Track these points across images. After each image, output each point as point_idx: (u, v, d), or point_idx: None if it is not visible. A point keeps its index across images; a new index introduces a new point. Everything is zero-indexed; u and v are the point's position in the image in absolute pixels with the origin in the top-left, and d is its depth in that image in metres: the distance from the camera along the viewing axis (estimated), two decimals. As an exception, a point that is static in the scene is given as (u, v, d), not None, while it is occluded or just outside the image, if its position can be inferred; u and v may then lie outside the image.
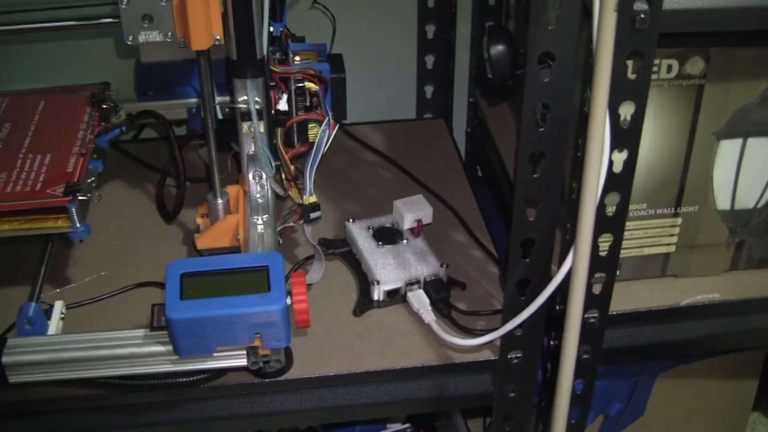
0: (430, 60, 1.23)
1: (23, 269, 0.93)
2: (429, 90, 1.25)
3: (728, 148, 0.87)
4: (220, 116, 0.94)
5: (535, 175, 0.74)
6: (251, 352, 0.79)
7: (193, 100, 1.07)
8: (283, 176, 0.95)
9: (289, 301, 0.76)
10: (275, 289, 0.75)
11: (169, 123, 1.02)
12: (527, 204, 0.76)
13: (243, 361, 0.79)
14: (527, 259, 0.79)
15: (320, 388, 0.87)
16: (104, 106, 1.00)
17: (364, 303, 0.93)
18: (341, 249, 0.99)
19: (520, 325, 0.81)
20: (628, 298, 0.91)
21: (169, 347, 0.77)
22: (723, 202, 0.90)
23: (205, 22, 0.80)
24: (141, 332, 0.79)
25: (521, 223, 0.77)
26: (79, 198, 0.85)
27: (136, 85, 1.10)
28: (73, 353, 0.78)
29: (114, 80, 1.11)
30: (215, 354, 0.77)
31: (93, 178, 0.88)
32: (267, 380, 0.85)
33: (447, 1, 1.18)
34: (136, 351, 0.78)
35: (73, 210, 0.84)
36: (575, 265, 0.72)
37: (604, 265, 0.80)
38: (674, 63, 0.81)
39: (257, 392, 0.86)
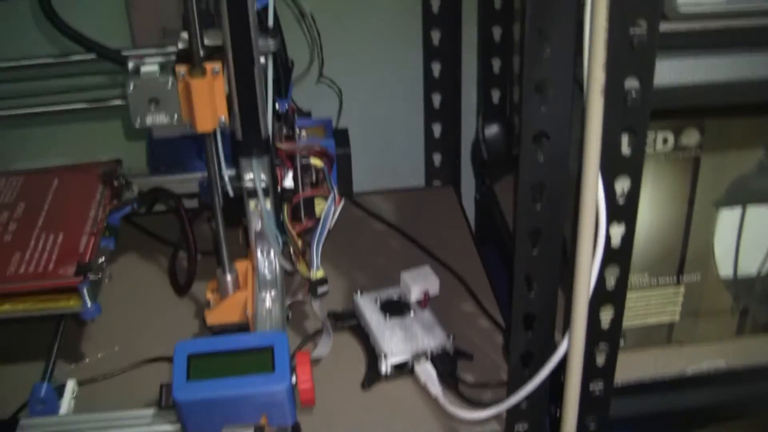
0: (437, 128, 1.24)
1: (37, 347, 0.94)
2: (437, 158, 1.27)
3: (728, 217, 0.88)
4: (231, 194, 0.95)
5: (534, 252, 0.75)
6: (258, 430, 0.79)
7: (205, 174, 1.08)
8: (292, 251, 0.97)
9: (294, 379, 0.77)
10: (279, 369, 0.76)
11: (178, 198, 1.04)
12: (527, 280, 0.77)
13: (252, 438, 0.80)
14: (529, 333, 0.79)
15: (329, 462, 0.88)
16: (116, 184, 1.02)
17: (372, 376, 0.93)
18: (350, 322, 1.00)
19: (525, 398, 0.82)
20: (633, 367, 0.91)
21: (178, 426, 0.78)
22: (725, 270, 0.91)
23: (210, 106, 0.82)
24: (150, 412, 0.80)
25: (521, 298, 0.77)
26: (90, 278, 0.87)
27: (149, 160, 1.13)
28: (83, 433, 0.80)
29: (128, 155, 1.14)
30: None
31: (104, 257, 0.90)
32: (276, 455, 0.86)
33: (452, 72, 1.20)
34: (146, 431, 0.79)
35: (84, 290, 0.86)
36: (571, 341, 0.72)
37: (607, 337, 0.81)
38: (670, 135, 0.82)
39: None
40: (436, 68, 1.20)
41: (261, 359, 0.77)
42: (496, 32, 1.16)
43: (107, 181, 1.02)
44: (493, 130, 0.84)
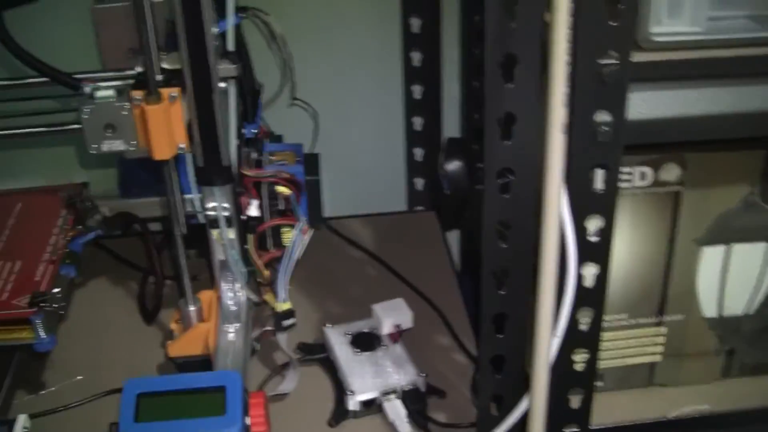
0: (418, 151, 1.21)
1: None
2: (419, 182, 1.23)
3: (711, 255, 0.84)
4: (199, 220, 0.92)
5: (501, 293, 0.72)
6: (212, 474, 0.76)
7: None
8: (258, 281, 0.93)
9: (248, 421, 0.74)
10: (231, 411, 0.72)
11: (143, 222, 1.00)
12: (494, 323, 0.73)
13: (204, 484, 0.77)
14: (498, 376, 0.76)
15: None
16: (80, 208, 0.99)
17: (339, 413, 0.89)
18: (319, 355, 0.96)
19: (495, 442, 0.78)
20: (612, 409, 0.87)
21: (127, 469, 0.75)
22: (709, 310, 0.87)
23: (167, 132, 0.78)
24: (99, 453, 0.76)
25: (489, 340, 0.74)
26: (45, 309, 0.83)
27: (119, 183, 1.09)
28: (26, 475, 0.76)
29: (100, 178, 1.11)
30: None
31: (59, 288, 0.86)
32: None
33: (433, 95, 1.16)
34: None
35: (37, 321, 0.82)
36: (533, 390, 0.69)
37: (581, 380, 0.77)
38: (648, 170, 0.78)
39: None
40: (417, 89, 1.16)
41: (212, 400, 0.74)
42: (480, 53, 1.12)
43: (71, 205, 0.98)
44: (455, 164, 0.81)
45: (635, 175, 0.78)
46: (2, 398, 0.85)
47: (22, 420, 0.83)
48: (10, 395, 0.92)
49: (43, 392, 0.94)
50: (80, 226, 0.97)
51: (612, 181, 0.68)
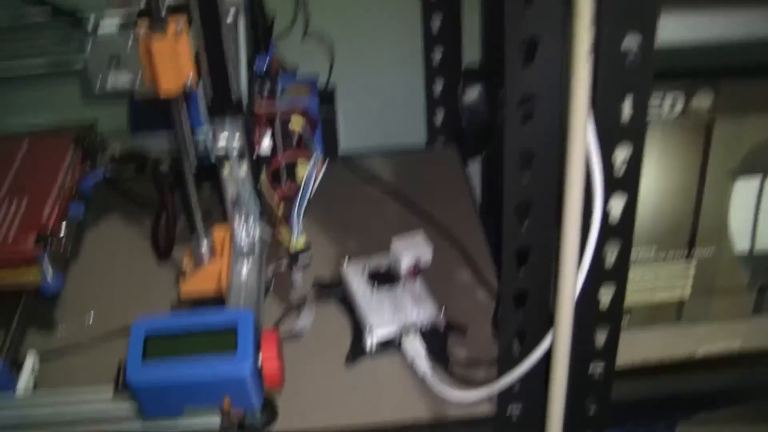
0: (438, 84, 1.17)
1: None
2: (439, 116, 1.19)
3: (745, 188, 0.80)
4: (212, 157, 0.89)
5: (523, 226, 0.68)
6: (223, 412, 0.74)
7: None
8: (275, 218, 0.91)
9: (259, 360, 0.71)
10: (242, 350, 0.70)
11: (154, 162, 0.97)
12: (516, 257, 0.70)
13: (216, 421, 0.74)
14: (521, 311, 0.73)
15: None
16: (89, 147, 0.96)
17: (356, 351, 0.87)
18: (336, 292, 0.94)
19: (517, 379, 0.76)
20: (639, 347, 0.84)
21: (136, 406, 0.73)
22: (742, 244, 0.83)
23: (173, 66, 0.75)
24: (108, 390, 0.74)
25: (511, 275, 0.71)
26: (51, 249, 0.81)
27: (129, 122, 1.07)
28: (36, 410, 0.74)
29: (110, 115, 1.08)
30: (185, 414, 0.73)
31: (66, 229, 0.84)
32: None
33: (453, 24, 1.12)
34: (102, 411, 0.74)
35: (43, 262, 0.80)
36: (557, 324, 0.66)
37: (607, 316, 0.74)
38: (680, 98, 0.74)
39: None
40: (436, 20, 1.12)
41: (223, 339, 0.71)
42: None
43: (80, 144, 0.96)
44: (474, 93, 0.77)
45: (666, 104, 0.74)
46: (11, 339, 0.83)
47: (31, 359, 0.82)
48: (20, 336, 0.90)
49: (54, 333, 0.92)
50: (89, 165, 0.94)
51: (641, 109, 0.64)
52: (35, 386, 0.81)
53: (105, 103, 1.14)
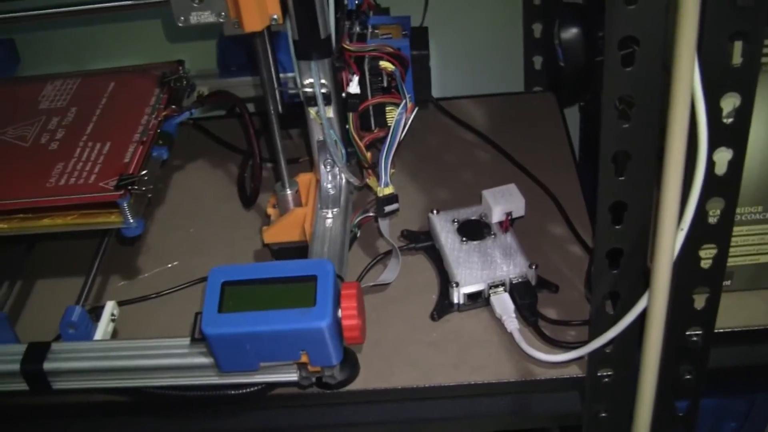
0: (537, 27, 1.12)
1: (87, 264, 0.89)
2: (538, 60, 1.14)
3: None
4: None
5: (620, 179, 0.64)
6: (301, 367, 0.72)
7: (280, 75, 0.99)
8: (361, 164, 0.88)
9: (339, 314, 0.68)
10: (320, 304, 0.67)
11: (242, 102, 0.95)
12: (613, 211, 0.65)
13: (293, 376, 0.72)
14: (615, 271, 0.68)
15: (385, 402, 0.80)
16: (175, 87, 0.94)
17: (443, 306, 0.84)
18: (424, 243, 0.91)
19: (609, 342, 0.72)
20: (740, 311, 0.80)
21: (212, 359, 0.71)
22: None
23: (258, 2, 0.72)
24: (185, 342, 0.73)
25: (606, 232, 0.66)
26: (133, 192, 0.79)
27: (218, 61, 1.04)
28: (112, 362, 0.73)
29: (198, 55, 1.06)
30: (262, 368, 0.70)
31: (146, 171, 0.82)
32: (328, 392, 0.78)
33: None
34: (179, 362, 0.72)
35: (125, 205, 0.79)
36: (653, 284, 0.61)
37: (708, 279, 0.70)
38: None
39: (318, 403, 0.80)
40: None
41: (302, 291, 0.68)
42: None
43: (165, 84, 0.93)
44: (571, 32, 0.72)
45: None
46: (88, 286, 0.82)
47: (110, 307, 0.81)
48: (102, 281, 0.89)
49: (134, 279, 0.91)
50: (175, 106, 0.91)
51: (752, 53, 0.59)
52: (114, 334, 0.80)
53: (193, 43, 1.13)
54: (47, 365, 0.73)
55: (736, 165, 0.64)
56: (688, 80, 0.54)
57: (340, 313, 0.69)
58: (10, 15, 0.92)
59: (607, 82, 0.60)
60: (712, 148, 0.61)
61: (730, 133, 0.62)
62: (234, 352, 0.68)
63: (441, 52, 1.13)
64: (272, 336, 0.67)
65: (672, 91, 0.55)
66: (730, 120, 0.61)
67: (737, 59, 0.59)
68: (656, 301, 0.62)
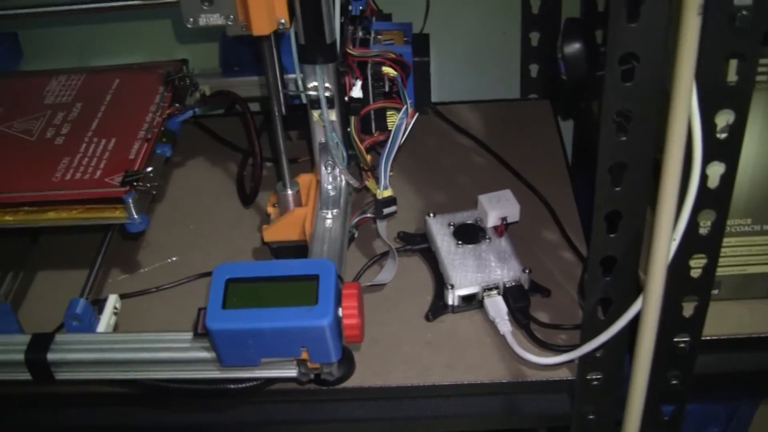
0: (535, 36, 1.14)
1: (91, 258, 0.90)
2: (534, 68, 1.16)
3: None
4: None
5: (616, 189, 0.66)
6: (300, 363, 0.73)
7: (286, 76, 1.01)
8: (361, 166, 0.89)
9: (340, 313, 0.70)
10: (322, 302, 0.69)
11: (244, 101, 0.96)
12: (607, 221, 0.68)
13: (292, 372, 0.74)
14: (608, 278, 0.71)
15: (380, 399, 0.81)
16: (179, 85, 0.95)
17: (438, 307, 0.86)
18: (420, 245, 0.92)
19: (600, 347, 0.74)
20: (727, 320, 0.81)
21: (214, 354, 0.73)
22: (844, 217, 0.79)
23: (267, 5, 0.74)
24: (187, 336, 0.74)
25: (601, 240, 0.68)
26: (138, 188, 0.81)
27: (221, 60, 1.06)
28: (115, 354, 0.75)
29: (201, 54, 1.07)
30: (262, 363, 0.72)
31: (151, 168, 0.84)
32: (324, 388, 0.80)
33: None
34: (180, 356, 0.74)
35: (129, 201, 0.80)
36: (647, 292, 0.64)
37: (697, 287, 0.72)
38: (789, 62, 0.70)
39: (315, 399, 0.82)
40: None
41: (304, 289, 0.70)
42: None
43: (169, 82, 0.95)
44: (574, 47, 0.74)
45: (773, 68, 0.71)
46: (94, 278, 0.84)
47: (112, 300, 0.83)
48: (103, 275, 0.91)
49: (137, 274, 0.93)
50: (178, 104, 0.93)
51: (747, 72, 0.61)
52: (116, 327, 0.82)
53: (197, 42, 1.14)
54: (51, 356, 0.75)
55: (728, 179, 0.66)
56: (687, 98, 0.56)
57: (340, 312, 0.71)
58: (14, 12, 0.93)
59: (607, 96, 0.62)
60: (705, 162, 0.63)
61: (723, 148, 0.64)
62: (236, 348, 0.70)
63: (440, 57, 1.14)
64: (274, 332, 0.69)
65: (671, 108, 0.57)
66: (724, 135, 0.63)
67: (732, 77, 0.61)
68: (649, 307, 0.65)
